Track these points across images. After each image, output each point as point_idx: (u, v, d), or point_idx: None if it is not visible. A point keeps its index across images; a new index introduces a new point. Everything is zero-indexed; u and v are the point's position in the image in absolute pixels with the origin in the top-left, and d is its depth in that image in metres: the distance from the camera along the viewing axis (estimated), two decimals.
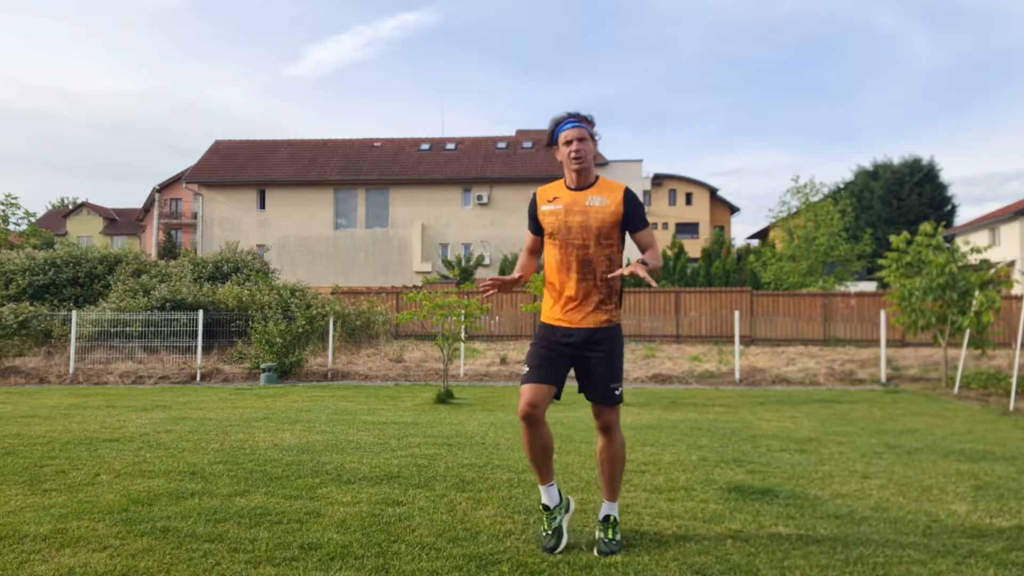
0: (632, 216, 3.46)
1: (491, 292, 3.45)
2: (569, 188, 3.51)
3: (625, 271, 3.25)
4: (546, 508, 3.50)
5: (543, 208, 3.52)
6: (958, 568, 3.20)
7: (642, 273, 3.22)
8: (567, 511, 3.59)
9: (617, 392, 3.45)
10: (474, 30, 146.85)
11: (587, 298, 3.44)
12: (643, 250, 3.49)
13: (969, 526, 3.89)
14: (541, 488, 3.54)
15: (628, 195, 3.46)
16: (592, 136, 3.49)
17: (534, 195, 3.61)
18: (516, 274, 3.57)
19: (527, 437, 3.45)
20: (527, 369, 3.47)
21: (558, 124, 3.49)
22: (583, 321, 3.44)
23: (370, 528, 3.70)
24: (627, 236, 3.54)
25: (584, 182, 3.49)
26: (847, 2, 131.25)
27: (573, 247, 3.44)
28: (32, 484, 4.70)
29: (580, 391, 3.52)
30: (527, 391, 3.42)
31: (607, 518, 3.49)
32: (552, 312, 3.52)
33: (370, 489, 4.58)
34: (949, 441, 6.90)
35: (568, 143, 3.44)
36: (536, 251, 3.71)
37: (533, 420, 3.40)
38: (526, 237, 3.71)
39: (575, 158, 3.42)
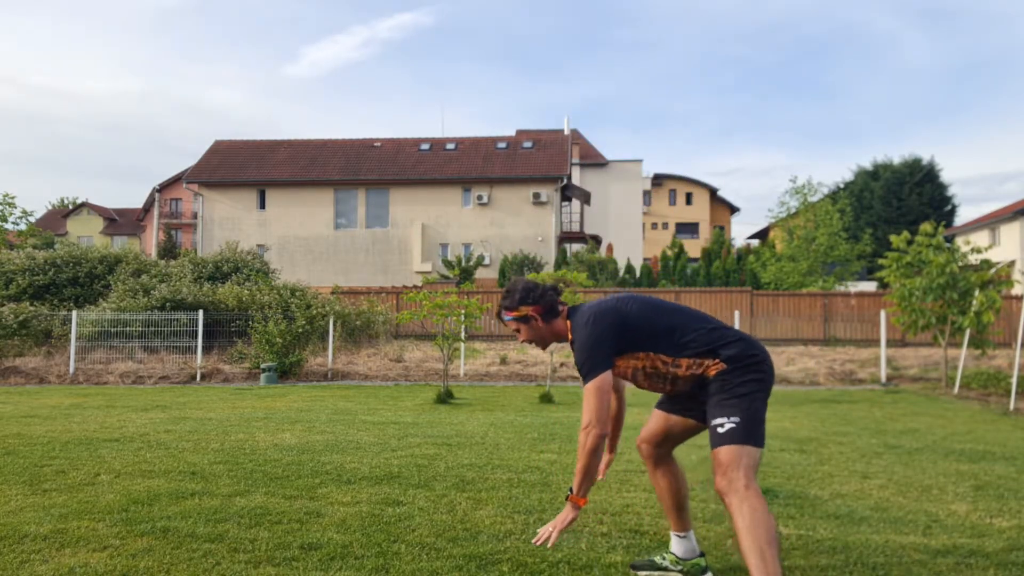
0: None
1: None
2: None
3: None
4: (677, 559, 3.06)
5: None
6: (958, 568, 3.20)
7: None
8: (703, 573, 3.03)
9: (722, 428, 2.58)
10: (473, 30, 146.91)
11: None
12: None
13: (969, 526, 3.89)
14: (672, 534, 3.10)
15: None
16: (526, 317, 2.94)
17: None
18: (606, 455, 3.16)
19: (650, 475, 3.12)
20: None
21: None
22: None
23: (370, 528, 3.70)
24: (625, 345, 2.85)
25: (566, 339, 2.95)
26: (845, 2, 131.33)
27: (648, 381, 2.95)
28: (32, 484, 4.71)
29: None
30: (649, 421, 3.11)
31: None
32: None
33: (370, 489, 4.58)
34: (949, 441, 6.90)
35: (517, 331, 3.02)
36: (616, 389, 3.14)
37: (644, 455, 3.09)
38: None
39: (525, 343, 3.03)
